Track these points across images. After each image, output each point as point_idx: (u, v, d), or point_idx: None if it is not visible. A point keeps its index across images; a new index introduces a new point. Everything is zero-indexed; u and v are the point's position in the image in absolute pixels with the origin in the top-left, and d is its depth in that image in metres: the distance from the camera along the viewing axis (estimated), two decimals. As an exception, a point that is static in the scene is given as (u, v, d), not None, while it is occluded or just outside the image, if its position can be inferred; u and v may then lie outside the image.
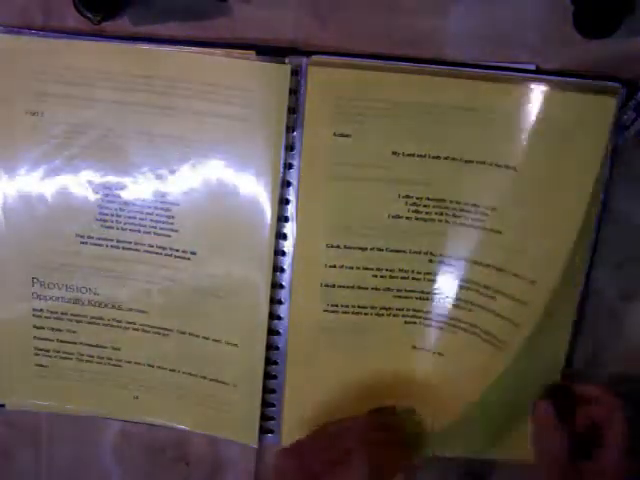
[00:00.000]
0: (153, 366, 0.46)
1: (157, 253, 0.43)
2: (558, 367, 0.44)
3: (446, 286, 0.43)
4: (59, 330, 0.46)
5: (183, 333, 0.45)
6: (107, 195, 0.43)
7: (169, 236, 0.43)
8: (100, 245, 0.44)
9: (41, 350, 0.47)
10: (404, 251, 0.42)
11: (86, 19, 0.40)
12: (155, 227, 0.43)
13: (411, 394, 0.45)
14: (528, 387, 0.43)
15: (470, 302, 0.42)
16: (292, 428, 0.46)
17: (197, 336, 0.45)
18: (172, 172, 0.42)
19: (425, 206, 0.41)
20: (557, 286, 0.40)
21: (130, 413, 0.48)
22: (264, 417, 0.46)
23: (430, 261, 0.42)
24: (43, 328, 0.46)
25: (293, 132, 0.41)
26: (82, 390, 0.48)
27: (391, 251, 0.42)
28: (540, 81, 0.39)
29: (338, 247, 0.42)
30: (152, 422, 0.48)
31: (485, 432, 0.45)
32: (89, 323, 0.46)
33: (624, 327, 0.44)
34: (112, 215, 0.43)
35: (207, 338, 0.45)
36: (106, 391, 0.47)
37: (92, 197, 0.43)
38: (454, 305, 0.43)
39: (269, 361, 0.45)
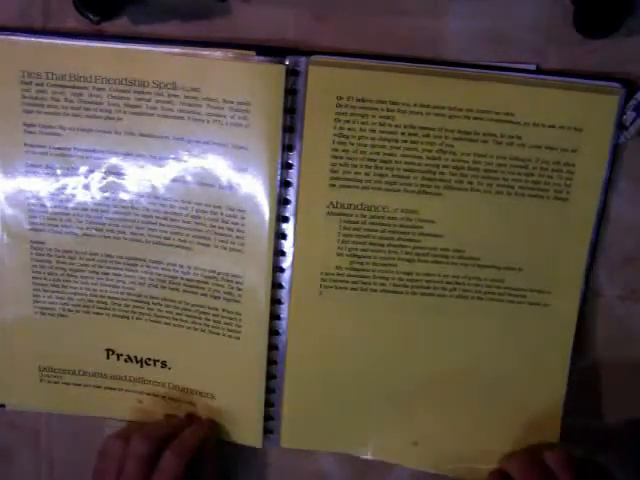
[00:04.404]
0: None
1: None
2: (562, 376, 0.44)
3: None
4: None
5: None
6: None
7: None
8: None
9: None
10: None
11: (86, 19, 0.40)
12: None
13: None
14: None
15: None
16: (292, 428, 0.46)
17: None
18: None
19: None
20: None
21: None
22: (264, 417, 0.46)
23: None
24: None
25: (293, 132, 0.41)
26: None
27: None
28: (540, 81, 0.39)
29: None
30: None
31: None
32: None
33: (624, 327, 0.44)
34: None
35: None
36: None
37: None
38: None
39: (269, 361, 0.45)
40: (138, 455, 0.41)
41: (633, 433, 0.45)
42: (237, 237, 0.42)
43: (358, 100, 0.40)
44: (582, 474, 0.39)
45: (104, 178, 0.43)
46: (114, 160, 0.42)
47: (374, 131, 0.40)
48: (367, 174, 0.41)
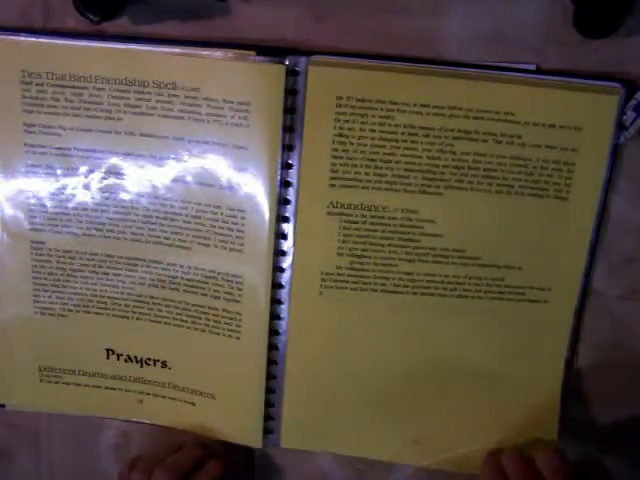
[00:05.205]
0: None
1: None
2: (558, 371, 0.44)
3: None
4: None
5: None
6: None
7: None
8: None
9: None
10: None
11: (86, 19, 0.40)
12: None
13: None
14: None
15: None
16: (292, 428, 0.46)
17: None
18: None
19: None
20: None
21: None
22: (264, 417, 0.46)
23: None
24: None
25: (293, 132, 0.41)
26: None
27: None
28: (540, 81, 0.39)
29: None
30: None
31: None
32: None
33: (624, 327, 0.44)
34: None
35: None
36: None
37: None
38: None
39: (269, 361, 0.45)
40: None
41: (633, 433, 0.45)
42: (237, 237, 0.42)
43: (358, 100, 0.40)
44: (574, 478, 0.39)
45: (104, 178, 0.43)
46: (114, 160, 0.42)
47: (374, 131, 0.40)
48: (367, 174, 0.41)
